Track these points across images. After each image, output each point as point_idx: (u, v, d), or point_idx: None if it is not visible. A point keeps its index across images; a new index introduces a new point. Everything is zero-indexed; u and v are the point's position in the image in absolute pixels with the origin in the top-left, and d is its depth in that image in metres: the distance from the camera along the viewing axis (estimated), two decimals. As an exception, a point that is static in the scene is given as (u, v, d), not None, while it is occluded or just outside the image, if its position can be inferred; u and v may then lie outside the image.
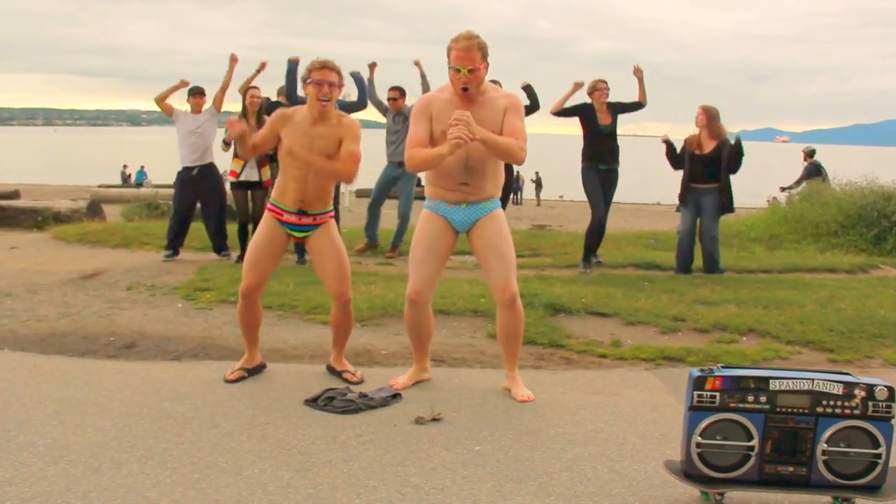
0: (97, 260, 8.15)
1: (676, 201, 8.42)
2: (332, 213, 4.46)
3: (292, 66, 7.91)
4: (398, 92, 9.01)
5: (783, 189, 16.39)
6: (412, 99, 8.48)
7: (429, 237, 4.14)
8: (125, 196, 20.68)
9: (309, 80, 4.23)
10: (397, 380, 4.30)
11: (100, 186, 27.88)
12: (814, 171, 15.19)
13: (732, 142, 7.79)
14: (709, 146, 7.78)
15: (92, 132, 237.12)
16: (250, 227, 8.04)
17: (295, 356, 4.93)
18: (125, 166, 38.30)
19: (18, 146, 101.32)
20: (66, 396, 4.00)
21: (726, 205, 7.89)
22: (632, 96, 8.26)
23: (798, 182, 15.62)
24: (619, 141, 8.20)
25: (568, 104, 8.17)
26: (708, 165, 7.79)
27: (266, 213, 4.42)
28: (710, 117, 7.82)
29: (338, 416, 3.80)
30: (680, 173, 8.06)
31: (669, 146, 8.06)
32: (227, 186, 8.58)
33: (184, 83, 8.46)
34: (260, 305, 4.47)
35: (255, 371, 4.49)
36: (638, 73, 8.25)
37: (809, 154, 15.41)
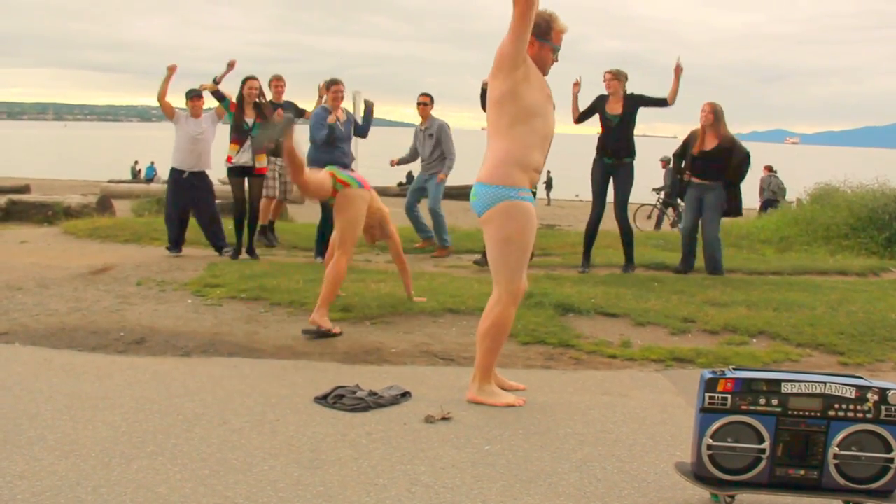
0: (107, 255, 8.18)
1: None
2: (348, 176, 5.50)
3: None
4: (428, 98, 9.07)
5: (655, 190, 17.86)
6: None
7: (534, 235, 4.01)
8: (135, 191, 20.75)
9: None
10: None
11: (110, 182, 27.97)
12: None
13: (741, 150, 7.76)
14: (711, 143, 7.76)
15: (102, 127, 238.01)
16: (246, 221, 8.21)
17: (304, 353, 4.94)
18: (136, 162, 38.38)
19: (29, 141, 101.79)
20: (76, 391, 4.02)
21: (735, 208, 7.90)
22: (655, 93, 8.04)
23: (669, 185, 16.63)
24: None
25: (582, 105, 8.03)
26: (709, 162, 7.77)
27: None
28: (716, 117, 7.77)
29: (347, 414, 3.80)
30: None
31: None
32: (224, 174, 8.66)
33: (171, 69, 8.36)
34: (336, 261, 5.38)
35: (323, 335, 5.19)
36: (678, 70, 7.74)
37: (668, 161, 16.22)
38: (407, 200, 9.33)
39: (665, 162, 16.43)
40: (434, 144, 8.97)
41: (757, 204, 18.37)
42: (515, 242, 3.89)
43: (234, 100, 8.14)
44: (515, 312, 4.06)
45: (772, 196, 18.04)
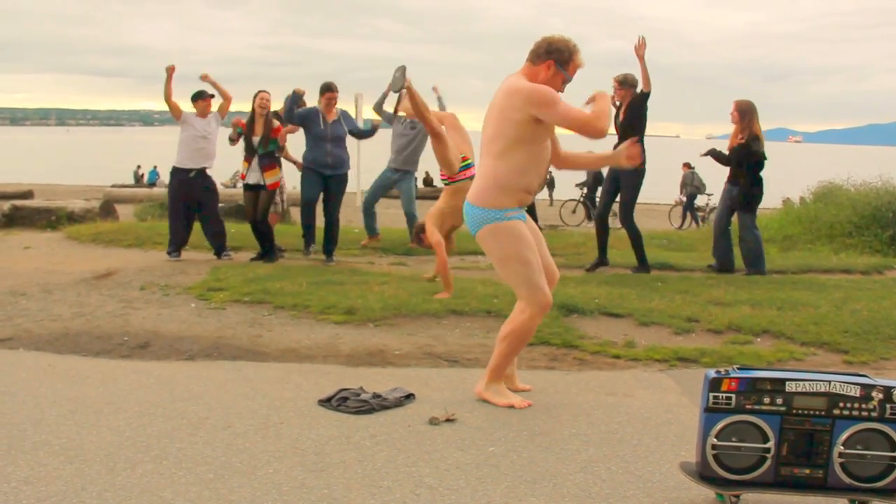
0: (110, 260, 8.19)
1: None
2: None
3: (296, 97, 8.40)
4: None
5: (579, 185, 21.36)
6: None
7: (532, 246, 3.98)
8: (138, 196, 20.72)
9: None
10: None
11: (112, 186, 27.95)
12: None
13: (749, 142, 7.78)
14: (738, 140, 7.89)
15: (105, 132, 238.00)
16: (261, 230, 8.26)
17: (308, 356, 4.94)
18: (139, 166, 38.40)
19: (32, 146, 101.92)
20: (80, 396, 4.02)
21: (739, 202, 7.96)
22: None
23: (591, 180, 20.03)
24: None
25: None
26: (736, 157, 7.92)
27: None
28: (740, 114, 7.81)
29: (351, 417, 3.80)
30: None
31: (714, 155, 8.14)
32: (226, 178, 8.75)
33: (170, 69, 8.35)
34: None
35: None
36: (641, 49, 7.47)
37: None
38: (372, 197, 9.43)
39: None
40: (415, 139, 9.02)
41: (677, 199, 21.32)
42: (513, 259, 3.92)
43: (243, 120, 8.24)
44: (538, 323, 4.06)
45: (695, 190, 20.41)
